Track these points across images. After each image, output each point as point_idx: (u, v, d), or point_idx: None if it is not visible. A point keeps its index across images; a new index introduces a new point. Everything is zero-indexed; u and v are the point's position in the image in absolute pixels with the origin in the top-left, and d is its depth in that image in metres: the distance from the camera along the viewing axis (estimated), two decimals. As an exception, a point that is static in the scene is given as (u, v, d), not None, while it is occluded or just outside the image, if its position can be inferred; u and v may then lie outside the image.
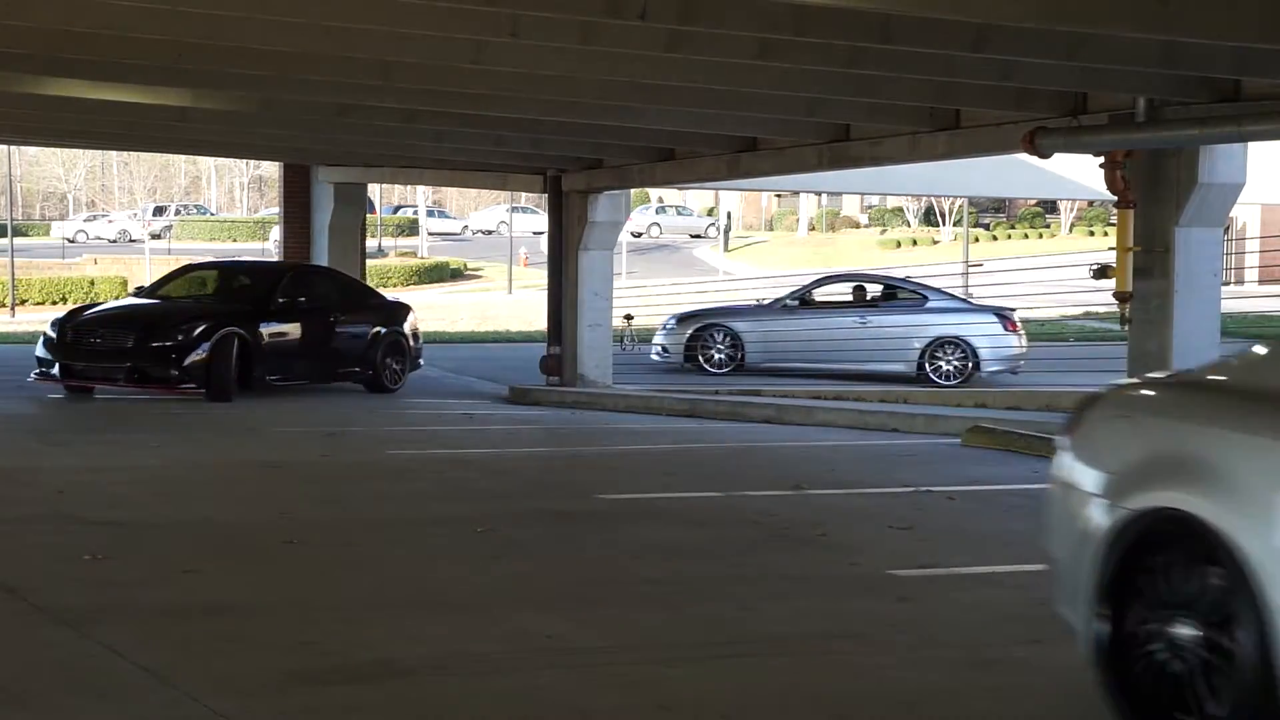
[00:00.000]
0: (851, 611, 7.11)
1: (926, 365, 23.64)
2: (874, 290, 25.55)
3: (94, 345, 18.27)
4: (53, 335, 18.47)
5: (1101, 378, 16.68)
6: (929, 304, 24.59)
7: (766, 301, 25.61)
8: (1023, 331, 24.48)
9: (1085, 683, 5.96)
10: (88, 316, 19.08)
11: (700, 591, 7.48)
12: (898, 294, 25.35)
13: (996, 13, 10.55)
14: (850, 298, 25.34)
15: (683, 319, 24.99)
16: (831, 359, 23.23)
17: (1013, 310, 24.69)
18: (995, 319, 24.25)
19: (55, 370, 18.25)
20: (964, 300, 25.70)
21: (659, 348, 25.12)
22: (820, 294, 25.51)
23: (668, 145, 19.42)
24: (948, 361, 23.68)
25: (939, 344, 23.75)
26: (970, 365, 23.68)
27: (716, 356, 24.06)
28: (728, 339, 24.16)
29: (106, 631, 6.31)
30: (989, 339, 23.91)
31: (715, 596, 7.35)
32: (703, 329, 24.33)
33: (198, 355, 17.84)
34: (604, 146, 19.59)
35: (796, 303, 24.84)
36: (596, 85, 14.78)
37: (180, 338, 17.94)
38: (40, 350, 18.64)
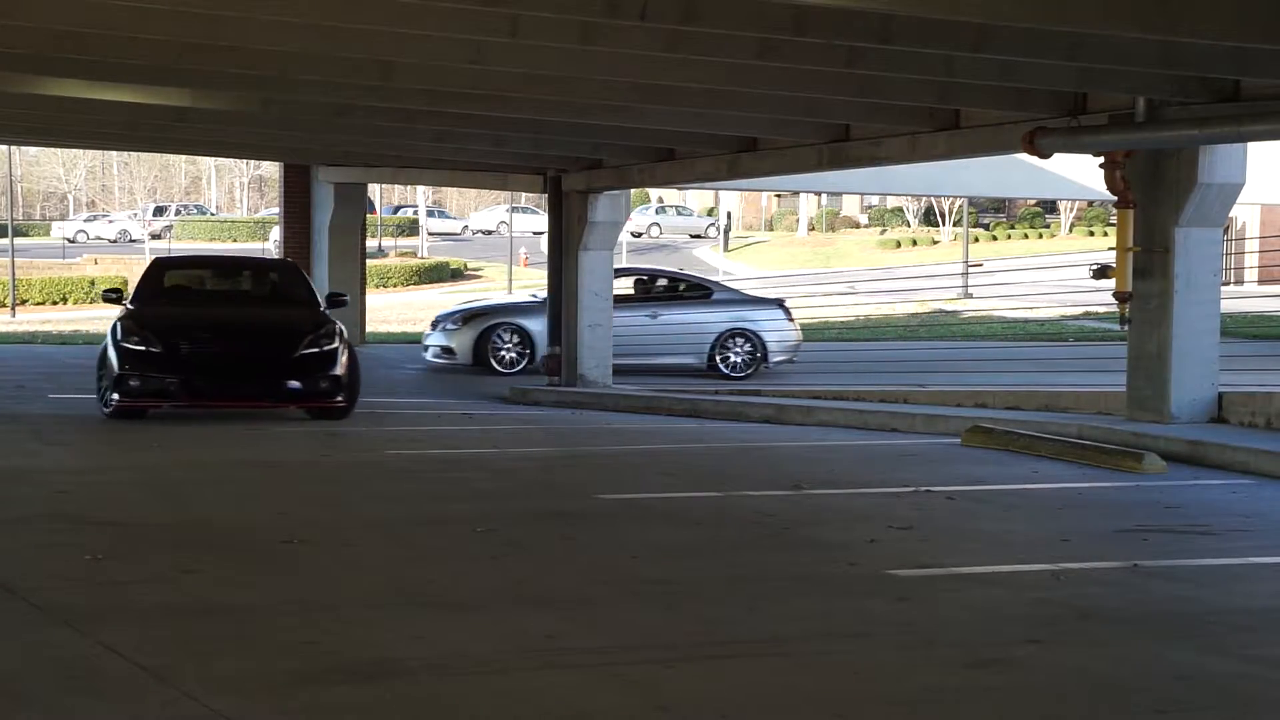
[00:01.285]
0: (851, 611, 7.11)
1: (717, 357, 23.91)
2: (658, 284, 25.45)
3: (226, 358, 15.36)
4: (154, 349, 15.18)
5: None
6: (714, 297, 24.77)
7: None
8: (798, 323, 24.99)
9: (1084, 682, 5.97)
10: (186, 324, 15.66)
11: (700, 591, 7.48)
12: (680, 288, 25.39)
13: (996, 13, 10.56)
14: (633, 292, 25.10)
15: (468, 318, 24.53)
16: (625, 354, 22.83)
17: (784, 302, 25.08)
18: (780, 311, 24.54)
19: (169, 388, 15.15)
20: (747, 294, 25.77)
21: (437, 348, 24.49)
22: None
23: (668, 145, 19.44)
24: (737, 353, 23.97)
25: (729, 336, 24.06)
26: (758, 356, 23.97)
27: (507, 356, 23.82)
28: (516, 337, 23.92)
29: (106, 631, 6.31)
30: (774, 331, 24.23)
31: (715, 596, 7.35)
32: (491, 328, 24.04)
33: (342, 363, 15.60)
34: (604, 146, 19.60)
35: None
36: (596, 85, 14.79)
37: (326, 344, 15.51)
38: (123, 365, 15.13)
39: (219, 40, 12.84)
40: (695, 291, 25.20)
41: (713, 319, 24.16)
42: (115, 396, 15.25)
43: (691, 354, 23.94)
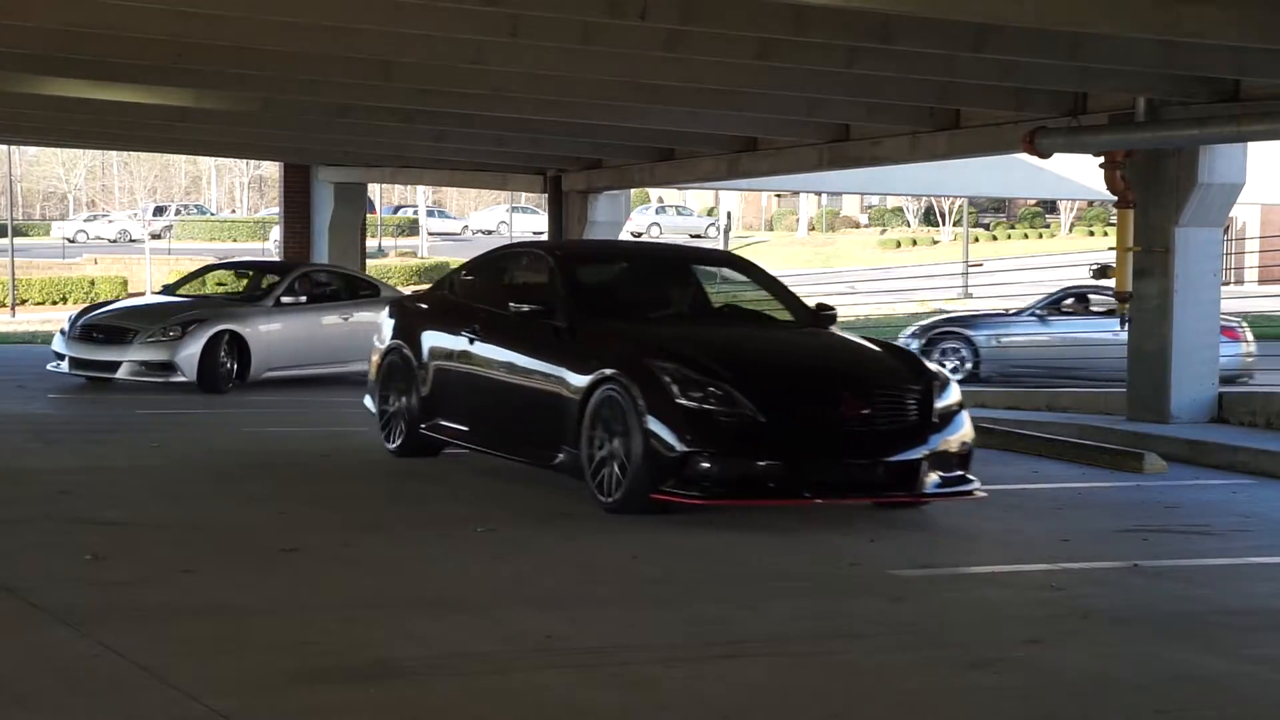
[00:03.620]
0: (851, 611, 7.11)
1: None
2: (326, 283, 21.40)
3: (844, 429, 9.35)
4: (747, 414, 9.08)
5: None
6: (383, 294, 20.58)
7: (253, 300, 20.45)
8: None
9: (1084, 682, 5.97)
10: (762, 370, 9.56)
11: (700, 591, 7.48)
12: (354, 286, 21.43)
13: (996, 13, 10.56)
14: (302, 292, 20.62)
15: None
16: (327, 359, 19.91)
17: None
18: None
19: (770, 478, 9.11)
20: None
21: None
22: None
23: (668, 145, 19.45)
24: None
25: None
26: None
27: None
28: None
29: (106, 631, 6.31)
30: None
31: (715, 596, 7.35)
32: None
33: (968, 426, 9.97)
34: (604, 146, 19.61)
35: (272, 303, 19.74)
36: (596, 85, 14.80)
37: (946, 394, 9.83)
38: (686, 436, 9.07)
39: (219, 40, 12.84)
40: (367, 290, 21.12)
41: None
42: (669, 488, 9.17)
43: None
